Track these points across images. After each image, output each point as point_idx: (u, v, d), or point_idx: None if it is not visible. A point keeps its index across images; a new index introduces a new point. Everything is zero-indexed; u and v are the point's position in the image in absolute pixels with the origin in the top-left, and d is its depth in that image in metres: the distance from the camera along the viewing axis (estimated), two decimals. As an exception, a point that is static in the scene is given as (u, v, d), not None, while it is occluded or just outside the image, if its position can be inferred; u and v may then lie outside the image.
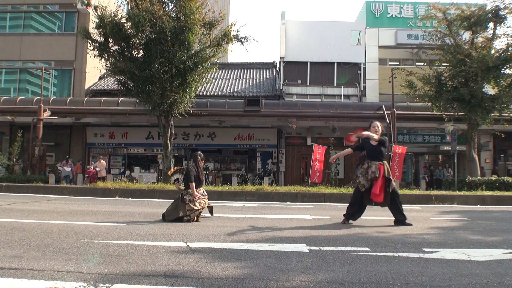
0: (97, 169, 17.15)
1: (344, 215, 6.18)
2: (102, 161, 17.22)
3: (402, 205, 6.15)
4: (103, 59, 13.85)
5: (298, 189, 11.10)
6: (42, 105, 16.33)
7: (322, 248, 4.27)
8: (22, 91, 21.46)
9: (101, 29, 13.27)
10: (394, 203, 6.03)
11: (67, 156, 18.48)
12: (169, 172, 7.23)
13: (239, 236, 4.92)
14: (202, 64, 13.63)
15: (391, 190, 5.96)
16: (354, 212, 6.10)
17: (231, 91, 20.82)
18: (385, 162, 6.09)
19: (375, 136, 6.05)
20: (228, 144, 20.38)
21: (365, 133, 6.13)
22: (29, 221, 5.86)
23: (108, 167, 20.38)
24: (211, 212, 6.79)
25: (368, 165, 6.04)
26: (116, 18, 13.28)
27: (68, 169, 17.32)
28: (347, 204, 6.31)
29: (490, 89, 15.42)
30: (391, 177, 6.03)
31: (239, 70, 24.27)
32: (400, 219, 6.04)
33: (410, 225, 5.94)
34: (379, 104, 18.34)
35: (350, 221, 6.10)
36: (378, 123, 6.25)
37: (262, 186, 12.19)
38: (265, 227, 5.71)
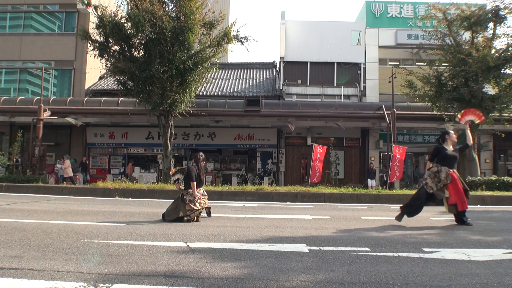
0: (57, 166, 16.57)
1: (401, 207, 6.22)
2: (66, 160, 16.49)
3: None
4: (103, 59, 13.84)
5: (298, 189, 11.09)
6: (42, 105, 16.32)
7: (322, 248, 4.27)
8: (22, 91, 21.46)
9: (101, 29, 13.26)
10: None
11: (63, 157, 18.49)
12: (170, 173, 7.23)
13: (239, 236, 4.92)
14: (202, 64, 13.62)
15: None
16: (413, 210, 6.16)
17: (231, 91, 20.82)
18: (455, 171, 6.16)
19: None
20: (228, 144, 20.38)
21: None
22: (29, 221, 5.86)
23: (108, 167, 20.42)
24: (208, 213, 6.78)
25: (438, 169, 6.09)
26: (116, 18, 13.27)
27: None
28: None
29: (490, 89, 15.42)
30: (467, 188, 6.17)
31: (239, 70, 24.26)
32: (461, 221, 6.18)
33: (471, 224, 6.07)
34: (379, 104, 18.34)
35: (404, 219, 6.14)
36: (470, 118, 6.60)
37: (262, 186, 12.19)
38: (265, 227, 5.71)
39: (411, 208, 6.19)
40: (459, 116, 6.81)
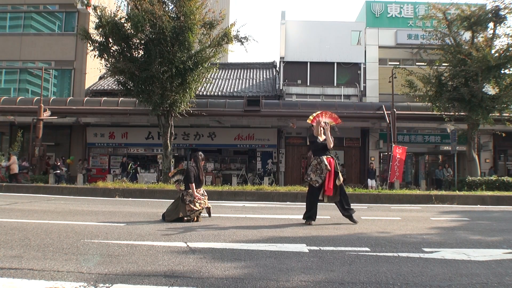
0: (2, 164, 15.98)
1: (303, 217, 6.15)
2: (13, 156, 15.92)
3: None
4: (103, 59, 13.85)
5: (298, 189, 11.08)
6: (42, 105, 16.33)
7: (322, 248, 4.27)
8: (22, 91, 21.47)
9: (100, 29, 13.27)
10: (340, 199, 6.12)
11: (62, 157, 18.56)
12: (170, 174, 7.22)
13: (239, 236, 4.92)
14: (202, 64, 13.63)
15: (339, 184, 6.04)
16: (315, 211, 6.12)
17: (231, 91, 20.82)
18: (332, 155, 6.20)
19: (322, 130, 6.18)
20: (228, 144, 20.38)
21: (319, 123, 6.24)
22: (29, 221, 5.86)
23: (108, 167, 20.43)
24: (208, 213, 6.78)
25: (318, 161, 6.08)
26: (116, 18, 13.28)
27: (63, 169, 17.41)
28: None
29: (490, 89, 15.43)
30: (339, 171, 6.12)
31: (239, 70, 24.26)
32: (347, 214, 6.13)
33: (356, 222, 6.04)
34: (379, 104, 18.34)
35: (312, 221, 6.07)
36: (326, 121, 6.27)
37: (262, 186, 12.18)
38: (265, 227, 5.71)
39: (314, 214, 6.10)
40: (311, 118, 6.30)
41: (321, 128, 6.19)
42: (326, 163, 5.99)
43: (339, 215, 6.85)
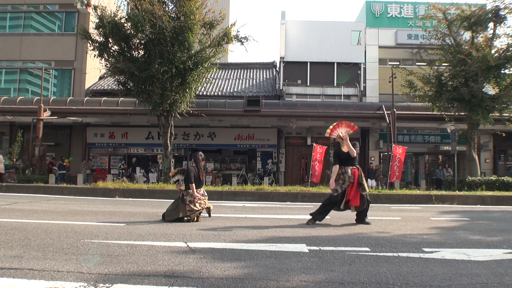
0: None
1: (311, 214, 6.18)
2: None
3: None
4: (103, 59, 13.84)
5: (298, 189, 11.09)
6: (42, 105, 16.32)
7: (322, 248, 4.27)
8: (22, 91, 21.45)
9: (100, 29, 13.26)
10: (366, 208, 6.17)
11: (62, 157, 18.57)
12: (170, 174, 7.22)
13: (239, 236, 4.92)
14: (202, 64, 13.62)
15: (365, 194, 6.05)
16: (324, 216, 6.15)
17: (231, 91, 20.82)
18: (358, 166, 6.19)
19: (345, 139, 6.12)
20: (228, 144, 20.37)
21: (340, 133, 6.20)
22: (29, 221, 5.87)
23: (108, 167, 20.43)
24: (209, 213, 6.78)
25: (342, 171, 6.08)
26: (116, 18, 13.27)
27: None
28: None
29: (490, 89, 15.43)
30: (363, 182, 6.09)
31: (239, 70, 24.25)
32: (361, 221, 6.18)
33: (370, 223, 6.10)
34: (379, 104, 18.33)
35: (317, 222, 6.10)
36: (343, 131, 6.24)
37: (262, 186, 12.19)
38: (265, 227, 5.71)
39: (322, 216, 6.15)
40: (328, 131, 6.32)
41: (341, 139, 6.18)
42: (350, 174, 5.99)
43: (339, 215, 6.86)
